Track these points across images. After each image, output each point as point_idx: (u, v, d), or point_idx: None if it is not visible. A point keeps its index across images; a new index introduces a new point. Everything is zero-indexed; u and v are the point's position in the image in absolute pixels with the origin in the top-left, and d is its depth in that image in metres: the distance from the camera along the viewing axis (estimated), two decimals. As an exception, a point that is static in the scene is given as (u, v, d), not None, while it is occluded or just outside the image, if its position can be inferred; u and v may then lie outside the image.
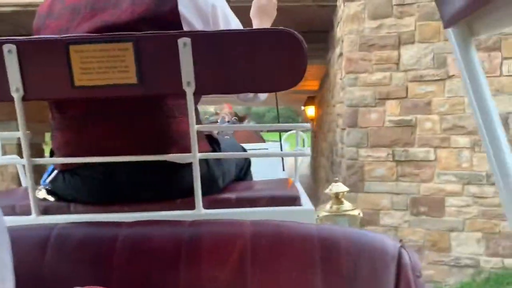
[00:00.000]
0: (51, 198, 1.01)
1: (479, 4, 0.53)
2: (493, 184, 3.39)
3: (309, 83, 8.35)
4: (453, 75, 3.51)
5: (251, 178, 1.47)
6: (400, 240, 0.77)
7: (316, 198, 5.74)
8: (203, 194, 0.94)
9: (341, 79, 4.05)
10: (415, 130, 3.64)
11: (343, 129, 3.92)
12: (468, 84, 0.60)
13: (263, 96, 1.16)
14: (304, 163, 14.23)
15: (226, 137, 1.65)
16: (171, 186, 0.99)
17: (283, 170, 1.93)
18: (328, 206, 1.16)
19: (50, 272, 0.76)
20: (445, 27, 0.64)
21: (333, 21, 4.51)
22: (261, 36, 0.86)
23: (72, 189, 1.00)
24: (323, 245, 0.73)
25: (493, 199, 3.44)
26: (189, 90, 0.85)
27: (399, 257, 0.73)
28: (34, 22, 1.02)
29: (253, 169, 1.51)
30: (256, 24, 1.29)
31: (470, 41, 0.62)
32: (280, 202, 1.01)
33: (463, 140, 3.53)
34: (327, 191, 1.19)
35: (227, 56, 0.85)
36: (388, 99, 3.69)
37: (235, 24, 1.05)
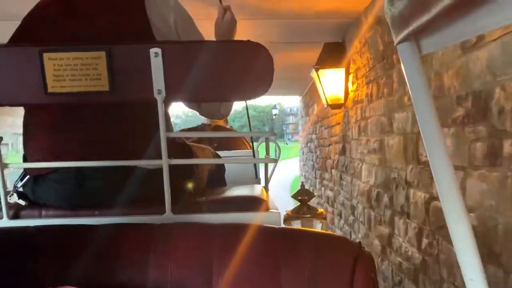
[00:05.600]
0: (22, 202, 1.03)
1: (423, 24, 0.59)
2: None
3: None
4: None
5: (224, 185, 1.50)
6: (359, 242, 0.81)
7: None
8: (174, 199, 0.96)
9: None
10: None
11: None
12: (414, 97, 0.65)
13: (225, 110, 1.20)
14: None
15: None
16: (142, 191, 1.01)
17: (256, 177, 1.97)
18: (296, 209, 1.21)
19: (21, 270, 0.78)
20: (396, 43, 0.70)
21: None
22: (230, 47, 0.90)
23: (43, 193, 1.02)
24: (285, 245, 0.77)
25: None
26: (160, 98, 0.88)
27: (358, 257, 0.77)
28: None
29: (228, 176, 1.54)
30: None
31: (417, 57, 0.67)
32: (248, 207, 1.04)
33: None
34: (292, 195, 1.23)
35: (197, 65, 0.88)
36: None
37: (199, 35, 1.09)
